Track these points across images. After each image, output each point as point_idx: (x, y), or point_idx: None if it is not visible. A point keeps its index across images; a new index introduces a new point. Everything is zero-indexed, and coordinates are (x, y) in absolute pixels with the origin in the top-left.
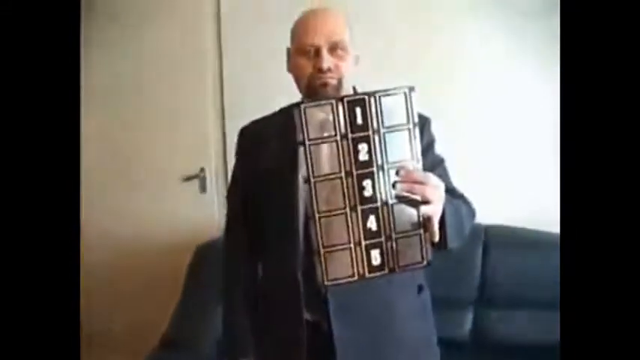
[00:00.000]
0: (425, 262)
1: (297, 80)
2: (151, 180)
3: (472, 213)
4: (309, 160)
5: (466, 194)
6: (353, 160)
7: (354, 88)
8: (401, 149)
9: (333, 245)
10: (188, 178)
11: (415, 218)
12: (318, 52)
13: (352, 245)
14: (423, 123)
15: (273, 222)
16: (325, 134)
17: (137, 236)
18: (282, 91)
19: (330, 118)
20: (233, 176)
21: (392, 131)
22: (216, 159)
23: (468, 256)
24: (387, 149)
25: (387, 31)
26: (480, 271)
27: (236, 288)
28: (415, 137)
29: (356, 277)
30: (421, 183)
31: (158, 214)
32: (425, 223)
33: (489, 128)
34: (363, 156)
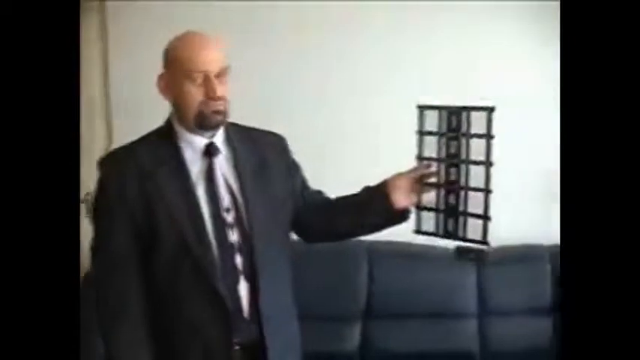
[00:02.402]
0: None
1: (183, 107)
2: None
3: None
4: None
5: None
6: None
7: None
8: None
9: None
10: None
11: None
12: (207, 78)
13: None
14: (284, 145)
15: (184, 253)
16: None
17: None
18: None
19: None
20: (108, 212)
21: None
22: None
23: (353, 271)
24: None
25: None
26: (366, 285)
27: (136, 329)
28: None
29: None
30: None
31: None
32: None
33: None
34: None
